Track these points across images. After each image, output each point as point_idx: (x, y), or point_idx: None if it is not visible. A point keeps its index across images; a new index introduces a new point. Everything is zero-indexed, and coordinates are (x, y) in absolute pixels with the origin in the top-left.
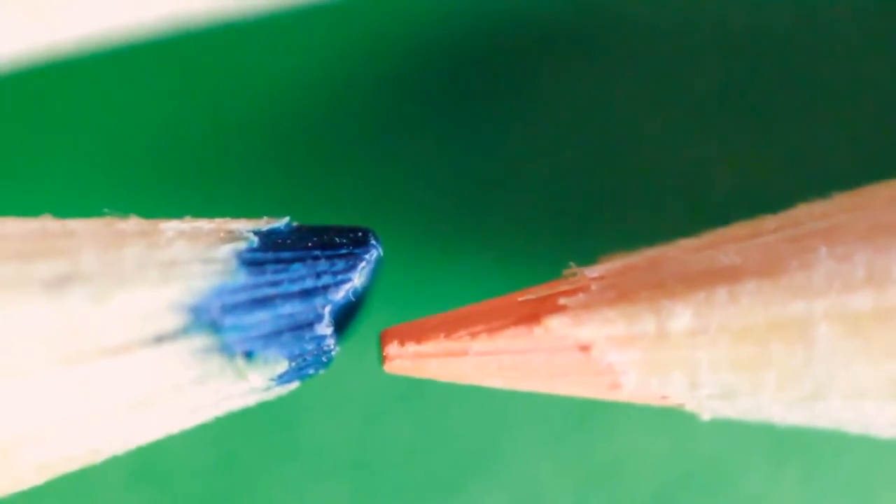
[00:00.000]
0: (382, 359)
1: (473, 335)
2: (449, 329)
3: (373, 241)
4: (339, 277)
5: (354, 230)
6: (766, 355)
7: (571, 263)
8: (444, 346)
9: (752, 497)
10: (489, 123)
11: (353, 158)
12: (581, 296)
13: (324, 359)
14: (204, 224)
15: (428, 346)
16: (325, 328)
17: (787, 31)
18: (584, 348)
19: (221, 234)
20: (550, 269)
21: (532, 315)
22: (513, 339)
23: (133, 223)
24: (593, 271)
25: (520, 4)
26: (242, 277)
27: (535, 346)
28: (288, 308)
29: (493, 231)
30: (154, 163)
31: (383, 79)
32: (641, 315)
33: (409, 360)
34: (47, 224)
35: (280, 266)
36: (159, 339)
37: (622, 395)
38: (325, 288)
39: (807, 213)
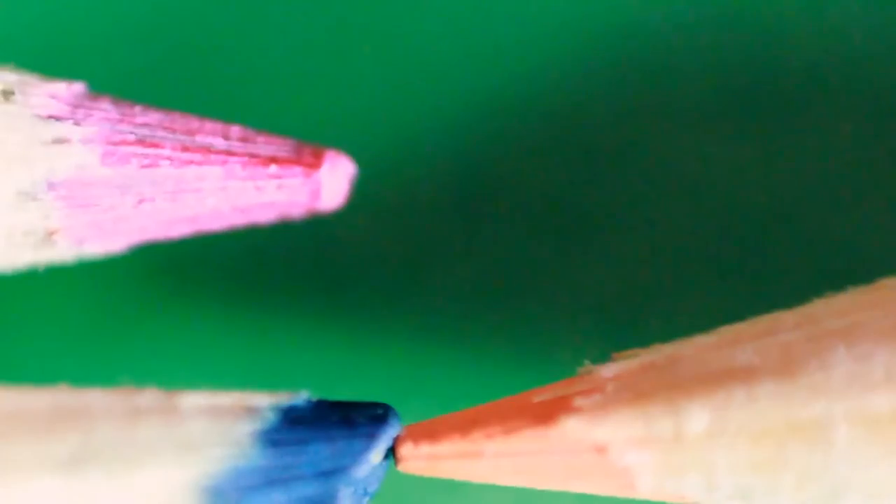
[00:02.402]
0: (395, 460)
1: (489, 436)
2: (464, 429)
3: (392, 419)
4: (358, 458)
5: (374, 406)
6: (784, 457)
7: (587, 361)
8: (459, 447)
9: None
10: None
11: (359, 244)
12: (597, 396)
13: None
14: (222, 399)
15: (442, 448)
16: None
17: (787, 32)
18: (601, 450)
19: (239, 411)
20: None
21: (547, 415)
22: (528, 441)
23: (150, 396)
24: (609, 370)
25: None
26: (260, 459)
27: (550, 447)
28: (305, 490)
29: (505, 319)
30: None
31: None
32: (658, 416)
33: (423, 461)
34: (62, 398)
35: (298, 447)
36: None
37: (638, 495)
38: (344, 469)
39: (825, 310)
